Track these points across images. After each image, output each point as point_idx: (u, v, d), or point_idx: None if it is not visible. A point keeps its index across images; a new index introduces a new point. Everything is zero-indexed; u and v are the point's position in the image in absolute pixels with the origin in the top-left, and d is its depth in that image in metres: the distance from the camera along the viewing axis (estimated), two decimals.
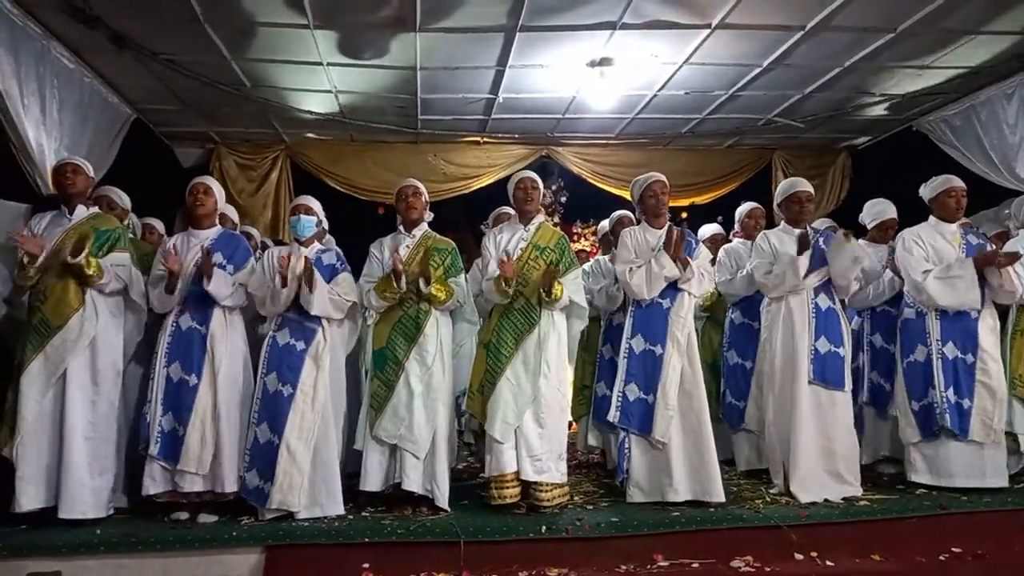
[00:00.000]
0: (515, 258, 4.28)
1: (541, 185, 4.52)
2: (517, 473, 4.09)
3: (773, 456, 4.52)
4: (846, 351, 4.51)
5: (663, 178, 4.55)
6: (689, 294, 4.40)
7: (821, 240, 4.61)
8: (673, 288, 4.36)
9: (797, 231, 4.62)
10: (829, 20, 5.28)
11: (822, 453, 4.37)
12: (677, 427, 4.25)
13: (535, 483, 4.11)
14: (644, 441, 4.28)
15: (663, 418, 4.22)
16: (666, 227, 4.49)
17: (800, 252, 4.45)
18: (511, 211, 4.83)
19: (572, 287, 4.28)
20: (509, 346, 4.17)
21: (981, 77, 6.27)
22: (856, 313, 5.18)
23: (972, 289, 4.43)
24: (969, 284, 4.43)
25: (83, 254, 3.95)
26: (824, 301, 4.52)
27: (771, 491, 4.46)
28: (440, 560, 3.68)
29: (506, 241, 4.39)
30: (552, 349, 4.20)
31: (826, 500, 4.25)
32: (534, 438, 4.11)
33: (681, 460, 4.22)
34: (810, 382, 4.38)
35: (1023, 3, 5.07)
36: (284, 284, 4.11)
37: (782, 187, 4.91)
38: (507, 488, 4.09)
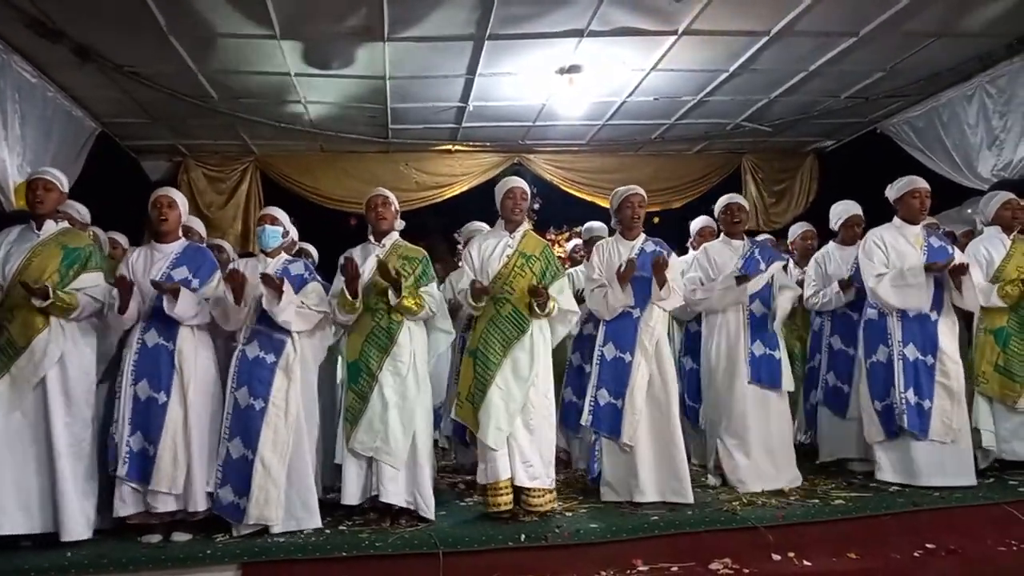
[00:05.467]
0: (501, 265, 4.27)
1: (529, 194, 4.51)
2: (510, 480, 4.08)
3: (708, 452, 4.81)
4: (781, 354, 4.72)
5: (643, 192, 4.59)
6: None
7: (756, 250, 4.82)
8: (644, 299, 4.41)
9: (734, 241, 4.87)
10: (793, 25, 5.36)
11: (762, 447, 4.60)
12: (646, 431, 4.34)
13: (528, 489, 4.10)
14: (613, 444, 4.37)
15: (630, 422, 4.31)
16: (641, 239, 4.57)
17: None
18: (484, 227, 4.89)
19: (561, 298, 4.29)
20: (497, 353, 4.15)
21: (942, 79, 6.40)
22: (816, 314, 5.26)
23: (922, 297, 4.49)
24: (918, 291, 4.48)
25: (48, 300, 3.79)
26: (758, 308, 4.72)
27: (710, 487, 4.65)
28: (419, 572, 3.66)
29: (491, 249, 4.34)
30: (540, 355, 4.21)
31: (763, 490, 4.44)
32: (526, 444, 4.12)
33: (648, 463, 4.31)
34: (749, 382, 4.62)
35: (982, 6, 5.20)
36: (237, 301, 3.98)
37: (719, 201, 5.03)
38: (501, 496, 4.07)
